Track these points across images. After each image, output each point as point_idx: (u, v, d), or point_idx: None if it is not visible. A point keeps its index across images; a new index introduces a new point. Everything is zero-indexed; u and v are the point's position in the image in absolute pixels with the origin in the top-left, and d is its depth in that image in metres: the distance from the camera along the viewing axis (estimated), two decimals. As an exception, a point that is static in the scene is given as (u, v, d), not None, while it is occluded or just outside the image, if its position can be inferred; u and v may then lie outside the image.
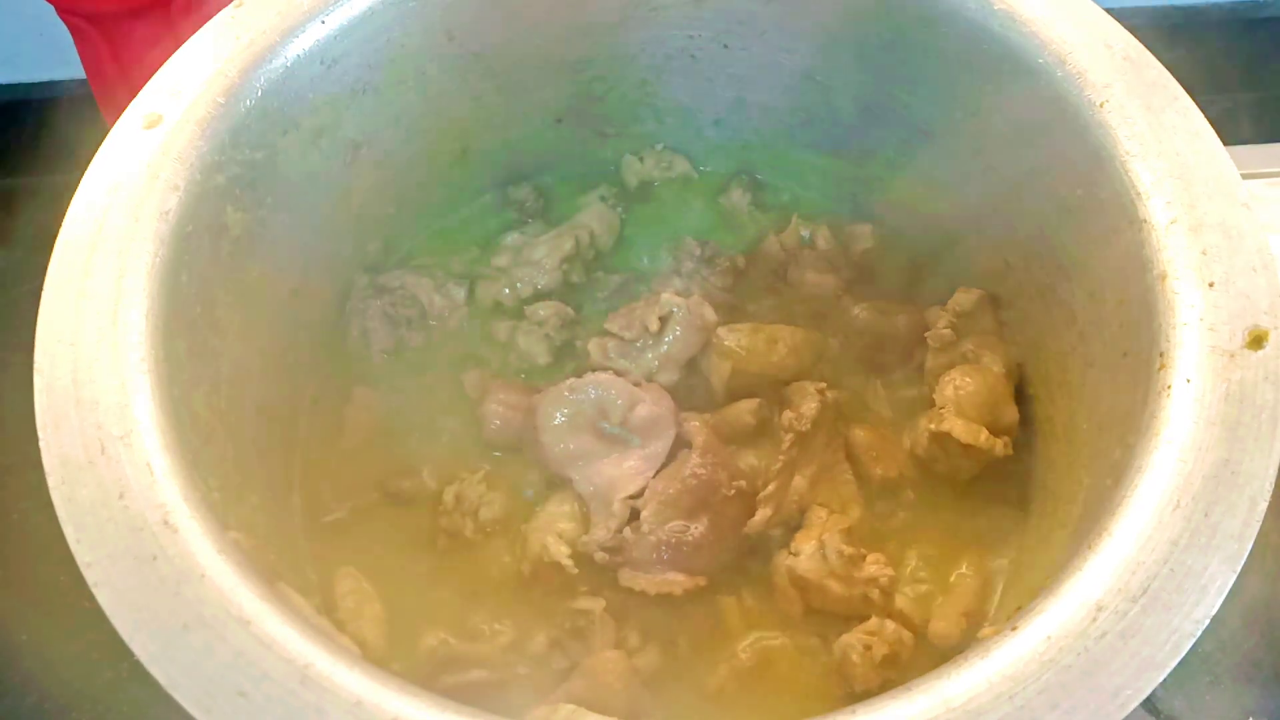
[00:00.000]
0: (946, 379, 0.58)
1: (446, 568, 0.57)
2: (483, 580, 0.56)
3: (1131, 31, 0.54)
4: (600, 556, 0.55)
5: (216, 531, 0.42)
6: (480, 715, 0.38)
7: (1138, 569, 0.40)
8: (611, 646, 0.53)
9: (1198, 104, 0.51)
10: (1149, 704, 0.64)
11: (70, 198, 0.49)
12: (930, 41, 0.58)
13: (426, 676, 0.51)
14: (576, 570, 0.54)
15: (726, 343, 0.61)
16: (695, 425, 0.58)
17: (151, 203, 0.49)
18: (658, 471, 0.57)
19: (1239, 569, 0.40)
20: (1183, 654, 0.38)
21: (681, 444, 0.58)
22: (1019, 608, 0.42)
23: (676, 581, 0.54)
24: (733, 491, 0.56)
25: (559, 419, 0.58)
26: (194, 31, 0.54)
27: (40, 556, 0.67)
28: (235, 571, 0.40)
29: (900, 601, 0.54)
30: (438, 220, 0.70)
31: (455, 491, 0.58)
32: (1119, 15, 0.54)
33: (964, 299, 0.61)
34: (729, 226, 0.70)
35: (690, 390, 0.61)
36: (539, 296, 0.66)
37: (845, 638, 0.52)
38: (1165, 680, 0.38)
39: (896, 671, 0.51)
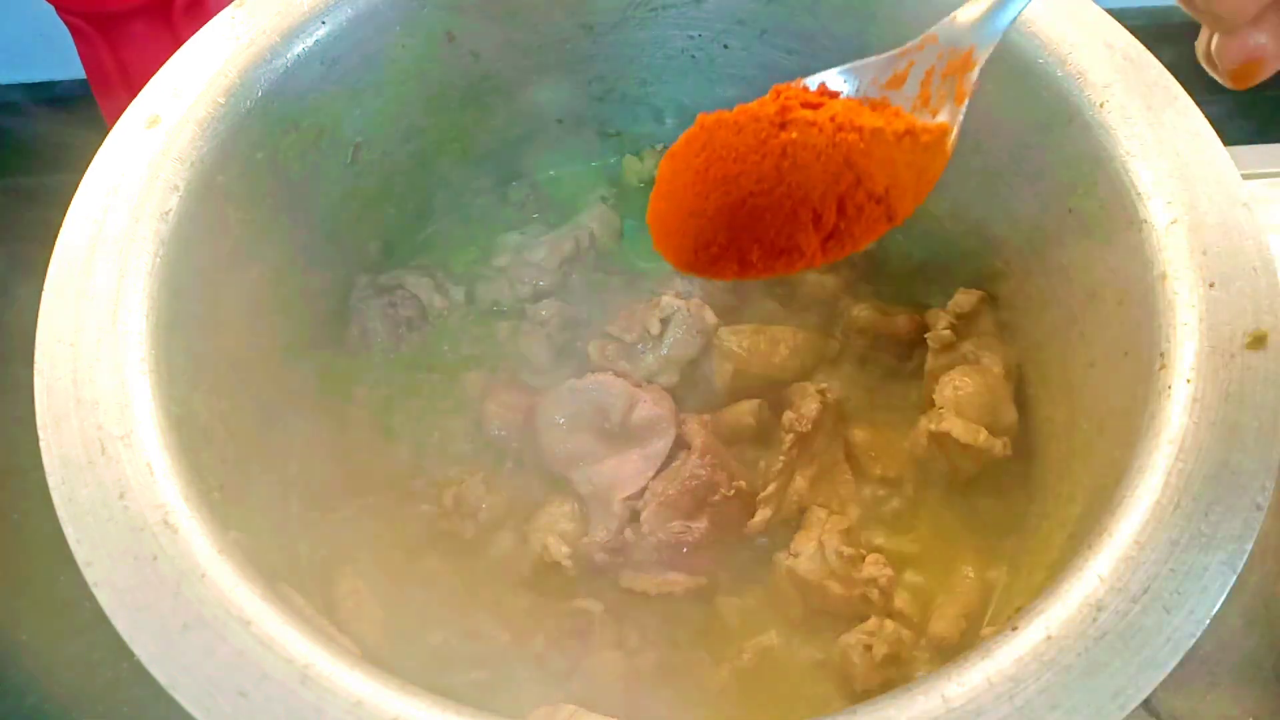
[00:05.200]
0: (946, 379, 0.58)
1: (446, 568, 0.57)
2: (483, 581, 0.56)
3: (1131, 31, 0.54)
4: (600, 557, 0.55)
5: (216, 531, 0.42)
6: (480, 715, 0.38)
7: (1138, 569, 0.40)
8: (611, 646, 0.53)
9: (1198, 104, 0.51)
10: (1149, 704, 0.64)
11: (70, 198, 0.49)
12: (930, 41, 0.58)
13: (426, 676, 0.51)
14: (576, 571, 0.54)
15: (729, 344, 0.61)
16: (695, 426, 0.58)
17: (151, 203, 0.49)
18: (658, 472, 0.57)
19: (1239, 569, 0.40)
20: (1183, 654, 0.38)
21: (681, 445, 0.58)
22: (1019, 608, 0.41)
23: (677, 582, 0.54)
24: (732, 492, 0.56)
25: (559, 420, 0.58)
26: (194, 31, 0.54)
27: (40, 556, 0.67)
28: (235, 571, 0.40)
29: (900, 601, 0.54)
30: (438, 220, 0.70)
31: (455, 492, 0.58)
32: (1119, 15, 0.54)
33: (964, 300, 0.61)
34: (729, 226, 0.70)
35: (690, 391, 0.61)
36: (539, 297, 0.66)
37: (845, 638, 0.52)
38: (1165, 680, 0.38)
39: (896, 671, 0.51)
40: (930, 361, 0.60)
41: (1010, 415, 0.58)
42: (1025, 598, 0.44)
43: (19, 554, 0.71)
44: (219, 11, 0.55)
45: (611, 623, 0.53)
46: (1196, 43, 0.42)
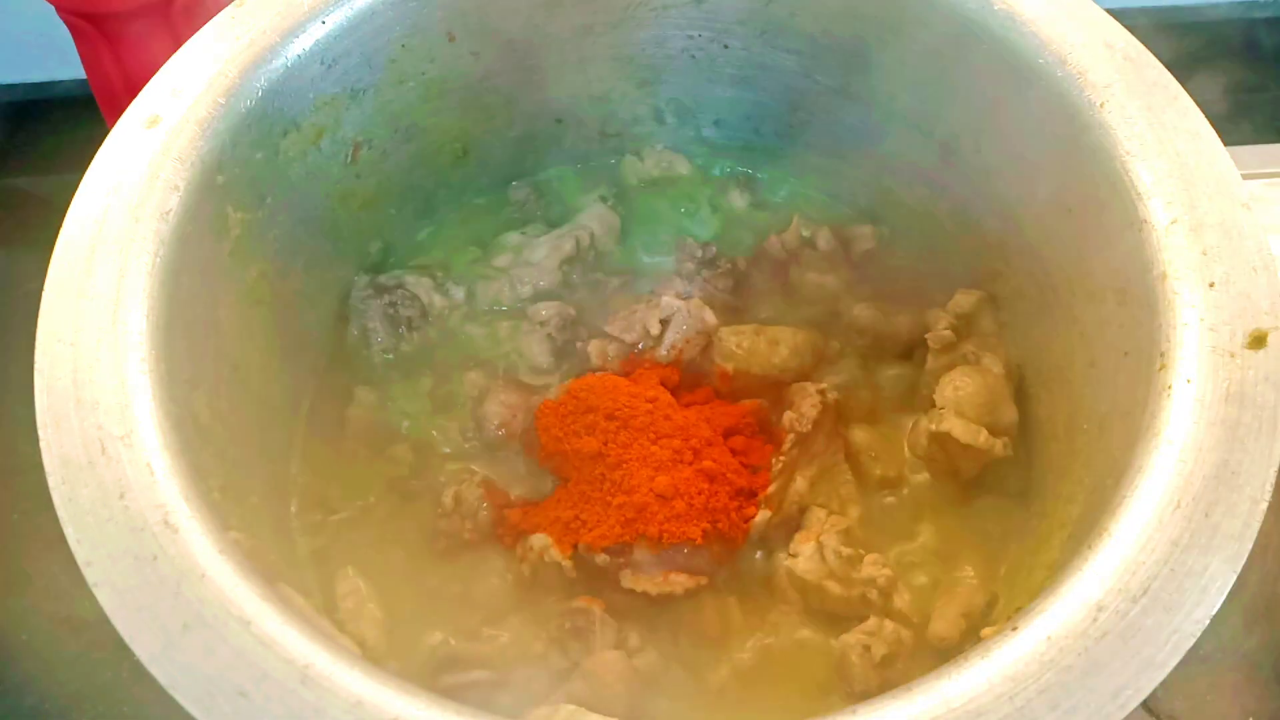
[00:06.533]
0: (946, 380, 0.58)
1: (446, 568, 0.57)
2: (483, 581, 0.56)
3: (1131, 31, 0.54)
4: (601, 557, 0.55)
5: (216, 531, 0.42)
6: (480, 715, 0.38)
7: (1138, 569, 0.40)
8: (612, 646, 0.53)
9: (1198, 104, 0.51)
10: (1149, 704, 0.64)
11: (70, 198, 0.49)
12: (930, 41, 0.58)
13: (426, 676, 0.51)
14: (576, 571, 0.54)
15: (729, 344, 0.61)
16: (695, 425, 0.58)
17: (151, 203, 0.49)
18: (658, 472, 0.57)
19: (1239, 569, 0.40)
20: (1183, 654, 0.38)
21: (681, 444, 0.58)
22: (1019, 608, 0.42)
23: (677, 581, 0.54)
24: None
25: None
26: (194, 31, 0.54)
27: (40, 556, 0.67)
28: (235, 571, 0.40)
29: (899, 601, 0.54)
30: (438, 220, 0.70)
31: (454, 493, 0.58)
32: (1119, 15, 0.54)
33: (964, 300, 0.61)
34: (729, 227, 0.70)
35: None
36: (539, 297, 0.66)
37: (845, 638, 0.52)
38: (1165, 680, 0.38)
39: (896, 671, 0.51)
40: (930, 361, 0.60)
41: (1010, 415, 0.58)
42: (1025, 598, 0.44)
43: (19, 554, 0.71)
44: (219, 11, 0.55)
45: (611, 623, 0.53)
46: None
